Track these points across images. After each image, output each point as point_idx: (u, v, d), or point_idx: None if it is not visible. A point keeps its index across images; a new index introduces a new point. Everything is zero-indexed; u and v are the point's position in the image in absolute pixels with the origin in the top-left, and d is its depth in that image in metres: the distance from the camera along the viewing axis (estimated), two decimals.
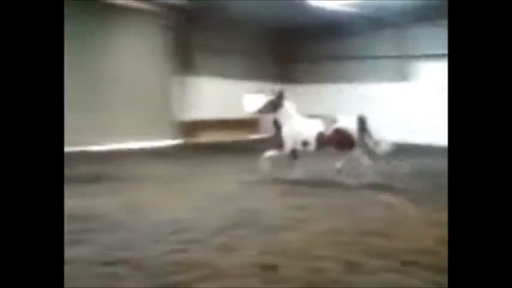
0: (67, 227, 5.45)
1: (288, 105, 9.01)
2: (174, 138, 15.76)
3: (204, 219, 5.93)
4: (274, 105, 8.93)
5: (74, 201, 6.72)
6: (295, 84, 18.60)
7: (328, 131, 8.59)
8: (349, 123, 8.58)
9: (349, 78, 17.90)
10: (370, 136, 8.49)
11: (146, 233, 5.26)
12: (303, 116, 9.13)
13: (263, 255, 4.48)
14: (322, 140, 8.62)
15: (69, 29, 13.33)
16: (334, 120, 8.73)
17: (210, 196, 7.42)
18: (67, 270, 4.09)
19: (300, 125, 8.87)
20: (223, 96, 16.18)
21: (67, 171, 10.66)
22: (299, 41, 19.21)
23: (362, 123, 8.54)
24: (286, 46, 19.45)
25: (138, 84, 14.84)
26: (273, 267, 4.13)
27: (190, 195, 7.52)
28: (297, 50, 19.55)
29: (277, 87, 9.76)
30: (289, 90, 20.14)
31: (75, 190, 7.35)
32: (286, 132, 8.86)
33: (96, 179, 8.77)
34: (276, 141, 9.02)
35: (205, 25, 16.13)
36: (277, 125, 9.03)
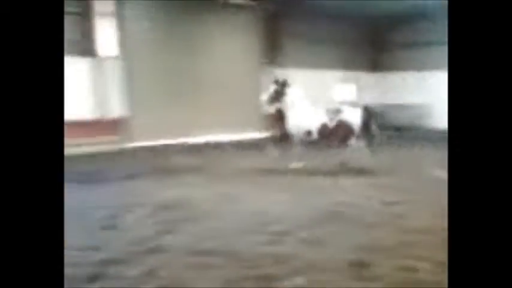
0: (164, 215, 5.72)
1: (292, 95, 8.80)
2: (264, 130, 16.05)
3: (294, 211, 6.02)
4: (277, 95, 8.76)
5: (171, 191, 7.21)
6: (385, 72, 18.32)
7: (332, 123, 8.51)
8: (352, 116, 8.51)
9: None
10: (370, 129, 8.45)
11: (238, 224, 5.41)
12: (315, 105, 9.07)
13: (354, 251, 4.50)
14: (325, 132, 8.53)
15: (167, 28, 13.70)
16: (338, 111, 8.63)
17: (300, 188, 7.50)
18: (163, 258, 4.23)
19: (303, 115, 8.72)
20: (313, 86, 16.03)
21: (164, 163, 10.12)
22: (389, 29, 19.08)
23: (368, 114, 8.45)
24: (376, 35, 19.31)
25: (230, 77, 15.22)
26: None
27: (279, 187, 7.60)
28: (388, 39, 19.40)
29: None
30: (379, 78, 20.05)
31: (173, 181, 7.95)
32: (291, 123, 8.74)
33: (191, 170, 9.18)
34: (280, 132, 8.96)
35: (296, 16, 16.20)
36: (279, 115, 8.90)
